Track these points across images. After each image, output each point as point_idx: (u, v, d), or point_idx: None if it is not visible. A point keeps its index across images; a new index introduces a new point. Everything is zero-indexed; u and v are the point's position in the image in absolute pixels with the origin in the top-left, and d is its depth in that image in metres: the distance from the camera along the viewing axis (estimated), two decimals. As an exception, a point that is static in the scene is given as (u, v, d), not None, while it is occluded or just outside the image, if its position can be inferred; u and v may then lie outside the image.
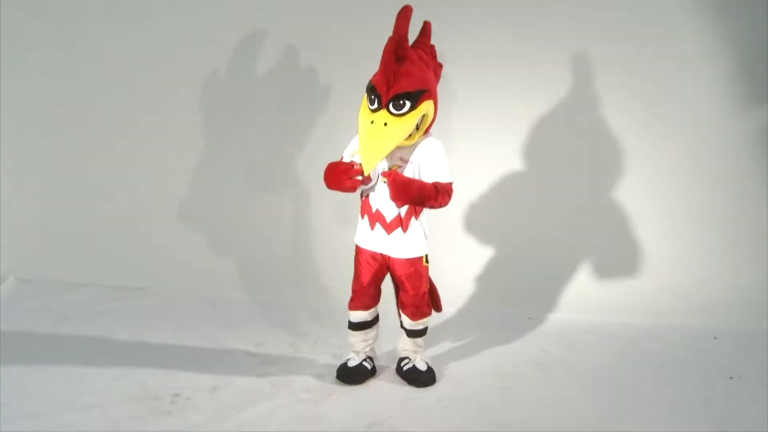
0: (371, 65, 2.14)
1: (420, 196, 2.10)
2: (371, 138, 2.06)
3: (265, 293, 3.23)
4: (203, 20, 3.26)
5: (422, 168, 2.17)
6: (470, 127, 3.18)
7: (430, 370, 2.41)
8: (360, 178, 2.11)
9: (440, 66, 2.29)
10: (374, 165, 2.08)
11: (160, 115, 3.32)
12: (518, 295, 3.22)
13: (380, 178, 2.19)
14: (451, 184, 2.17)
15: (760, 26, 3.06)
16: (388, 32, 2.06)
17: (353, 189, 2.16)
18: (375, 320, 2.45)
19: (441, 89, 2.24)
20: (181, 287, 3.23)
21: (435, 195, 2.12)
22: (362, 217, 2.28)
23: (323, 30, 3.19)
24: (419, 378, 2.38)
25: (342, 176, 2.11)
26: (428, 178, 2.15)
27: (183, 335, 2.76)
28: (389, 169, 2.17)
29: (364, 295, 2.36)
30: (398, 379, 2.44)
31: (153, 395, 2.22)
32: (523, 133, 3.23)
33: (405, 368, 2.42)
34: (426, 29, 2.25)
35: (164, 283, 3.26)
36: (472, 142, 3.18)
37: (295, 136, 3.29)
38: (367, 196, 2.24)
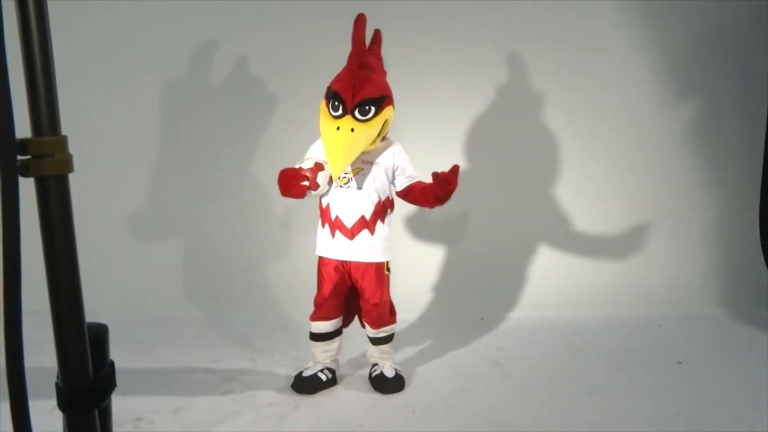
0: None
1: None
2: (339, 144, 2.08)
3: (216, 310, 3.16)
4: (150, 33, 3.18)
5: (400, 171, 2.26)
6: (412, 131, 3.18)
7: (398, 376, 2.41)
8: (306, 183, 2.11)
9: (385, 74, 2.31)
10: (343, 170, 2.11)
11: (101, 133, 3.20)
12: (468, 297, 3.29)
13: (339, 181, 2.20)
14: None
15: (686, 24, 3.23)
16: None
17: (302, 195, 2.16)
18: (337, 332, 2.43)
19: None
20: (129, 308, 3.11)
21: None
22: (323, 226, 2.28)
23: (264, 38, 3.18)
24: (386, 385, 2.38)
25: (290, 182, 2.11)
26: (410, 179, 2.28)
27: (137, 357, 2.66)
28: (347, 173, 2.19)
29: (326, 307, 2.34)
30: (363, 386, 2.43)
31: (113, 421, 2.13)
32: (461, 137, 3.30)
33: (373, 375, 2.43)
34: (378, 37, 2.28)
35: (111, 306, 3.10)
36: (414, 147, 3.16)
37: (239, 148, 3.25)
38: (329, 204, 2.24)
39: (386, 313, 2.38)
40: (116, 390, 2.23)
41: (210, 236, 3.29)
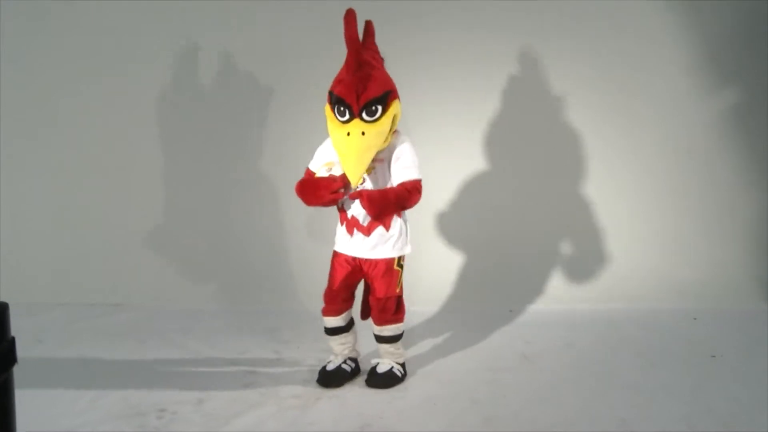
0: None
1: (398, 203, 2.15)
2: (352, 150, 2.06)
3: (243, 303, 3.18)
4: (142, 37, 3.19)
5: (392, 167, 2.18)
6: (430, 127, 3.15)
7: (390, 374, 2.37)
8: (342, 191, 2.13)
9: (383, 60, 2.26)
10: (361, 176, 2.10)
11: (127, 133, 3.25)
12: (497, 289, 3.23)
13: (347, 197, 2.20)
14: (419, 180, 2.18)
15: (722, 10, 3.13)
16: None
17: (334, 203, 2.18)
18: (350, 324, 2.43)
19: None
20: (158, 301, 3.15)
21: (409, 196, 2.15)
22: (342, 224, 2.29)
23: (256, 35, 3.18)
24: (373, 379, 2.37)
25: (323, 192, 2.12)
26: (396, 177, 2.17)
27: (163, 349, 2.69)
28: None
29: (336, 299, 2.35)
30: (386, 379, 2.43)
31: (138, 412, 2.16)
32: (486, 130, 3.24)
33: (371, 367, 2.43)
34: (370, 29, 2.23)
35: (141, 298, 3.18)
36: (435, 142, 3.12)
37: (257, 143, 3.26)
38: (344, 203, 2.26)
39: (390, 310, 2.33)
40: (139, 381, 2.29)
41: (238, 229, 3.31)
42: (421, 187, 2.18)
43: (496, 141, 3.23)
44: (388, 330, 2.36)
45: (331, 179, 2.11)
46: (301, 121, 3.13)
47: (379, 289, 2.29)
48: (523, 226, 3.31)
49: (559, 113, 3.22)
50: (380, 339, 2.38)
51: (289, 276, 3.25)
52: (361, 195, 2.10)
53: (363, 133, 2.04)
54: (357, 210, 2.21)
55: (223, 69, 3.18)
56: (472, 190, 3.26)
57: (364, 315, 2.48)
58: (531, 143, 3.27)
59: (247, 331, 2.91)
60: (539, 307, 3.17)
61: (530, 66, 3.16)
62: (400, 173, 2.16)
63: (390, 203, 2.13)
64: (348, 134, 2.04)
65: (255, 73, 3.20)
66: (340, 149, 2.09)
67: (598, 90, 3.20)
